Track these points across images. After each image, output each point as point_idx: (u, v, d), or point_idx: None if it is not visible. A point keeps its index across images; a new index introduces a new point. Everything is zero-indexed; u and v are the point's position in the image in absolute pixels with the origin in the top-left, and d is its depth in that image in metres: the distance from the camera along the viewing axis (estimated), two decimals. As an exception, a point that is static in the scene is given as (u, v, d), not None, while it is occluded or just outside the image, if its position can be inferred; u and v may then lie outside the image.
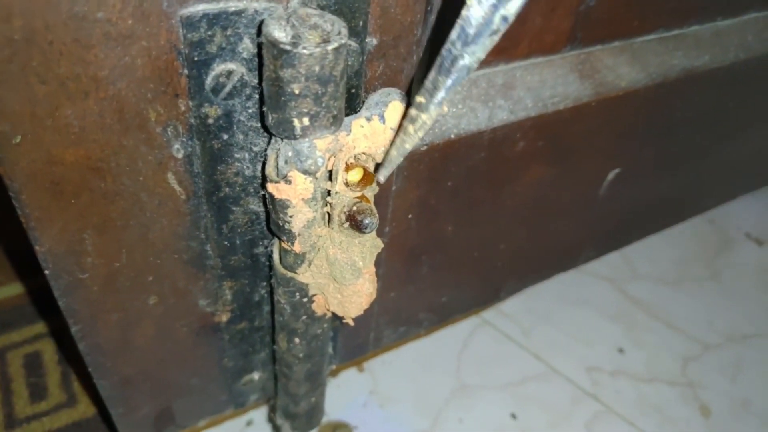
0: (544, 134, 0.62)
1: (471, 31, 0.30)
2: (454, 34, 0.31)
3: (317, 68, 0.34)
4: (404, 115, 0.38)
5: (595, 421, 0.83)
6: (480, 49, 0.31)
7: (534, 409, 0.84)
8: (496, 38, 0.30)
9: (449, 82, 0.33)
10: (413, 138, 0.37)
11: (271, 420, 0.72)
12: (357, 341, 0.74)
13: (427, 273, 0.70)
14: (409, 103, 0.41)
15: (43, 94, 0.35)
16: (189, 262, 0.49)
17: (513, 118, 0.58)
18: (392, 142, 0.40)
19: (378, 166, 0.41)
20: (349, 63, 0.42)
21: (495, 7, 0.29)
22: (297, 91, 0.35)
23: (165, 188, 0.43)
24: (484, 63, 0.57)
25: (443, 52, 0.32)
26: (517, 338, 0.92)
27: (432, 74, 0.34)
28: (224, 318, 0.55)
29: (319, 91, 0.35)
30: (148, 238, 0.45)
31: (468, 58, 0.32)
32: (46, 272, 0.43)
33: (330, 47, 0.34)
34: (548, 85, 0.60)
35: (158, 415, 0.61)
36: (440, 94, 0.34)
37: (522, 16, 0.55)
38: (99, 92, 0.36)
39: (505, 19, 0.29)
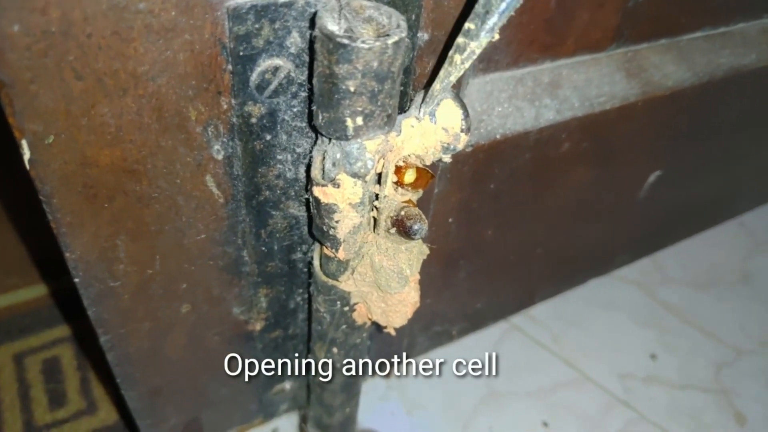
0: (589, 135, 0.59)
1: None
2: None
3: (375, 64, 0.31)
4: (450, 46, 0.35)
5: (628, 429, 0.81)
6: None
7: (566, 417, 0.81)
8: None
9: (503, 5, 0.30)
10: (459, 69, 0.35)
11: (301, 430, 0.70)
12: (391, 349, 0.72)
13: (464, 278, 0.67)
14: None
15: (79, 90, 0.32)
16: (224, 268, 0.47)
17: (559, 118, 0.55)
18: (436, 75, 0.37)
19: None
20: (400, 59, 0.40)
21: None
22: (352, 89, 0.32)
23: (203, 191, 0.41)
24: (531, 60, 0.54)
25: None
26: (547, 344, 0.90)
27: None
28: (258, 326, 0.53)
29: (376, 89, 0.33)
30: (183, 244, 0.43)
31: None
32: (76, 280, 0.40)
33: (390, 41, 0.31)
34: (594, 84, 0.58)
35: (186, 425, 0.58)
36: (492, 20, 0.31)
37: (570, 10, 0.53)
38: (138, 89, 0.34)
39: None
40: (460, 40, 0.33)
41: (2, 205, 1.05)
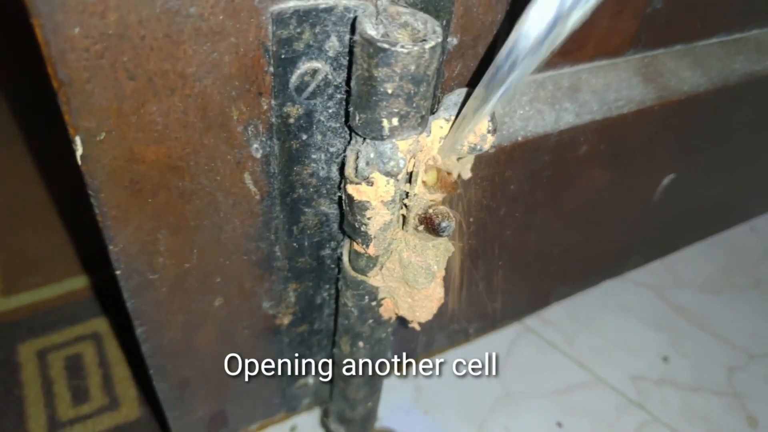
0: (606, 138, 0.61)
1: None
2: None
3: (413, 67, 0.33)
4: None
5: (642, 430, 0.82)
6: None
7: (580, 418, 0.82)
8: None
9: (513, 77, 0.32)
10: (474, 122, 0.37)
11: (323, 424, 0.71)
12: (409, 345, 0.73)
13: (482, 278, 0.69)
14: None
15: (130, 90, 0.34)
16: (257, 263, 0.48)
17: (579, 121, 0.56)
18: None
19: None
20: (432, 62, 0.41)
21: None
22: (390, 91, 0.34)
23: (241, 188, 0.42)
24: (551, 65, 0.56)
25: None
26: (561, 345, 0.91)
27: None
28: (286, 320, 0.54)
29: (412, 91, 0.34)
30: (220, 239, 0.45)
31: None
32: (118, 272, 0.42)
33: (428, 46, 0.33)
34: (613, 88, 0.59)
35: (213, 418, 0.60)
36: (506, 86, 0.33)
37: (590, 17, 0.54)
38: (185, 89, 0.36)
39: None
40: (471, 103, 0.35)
41: (23, 205, 1.06)
